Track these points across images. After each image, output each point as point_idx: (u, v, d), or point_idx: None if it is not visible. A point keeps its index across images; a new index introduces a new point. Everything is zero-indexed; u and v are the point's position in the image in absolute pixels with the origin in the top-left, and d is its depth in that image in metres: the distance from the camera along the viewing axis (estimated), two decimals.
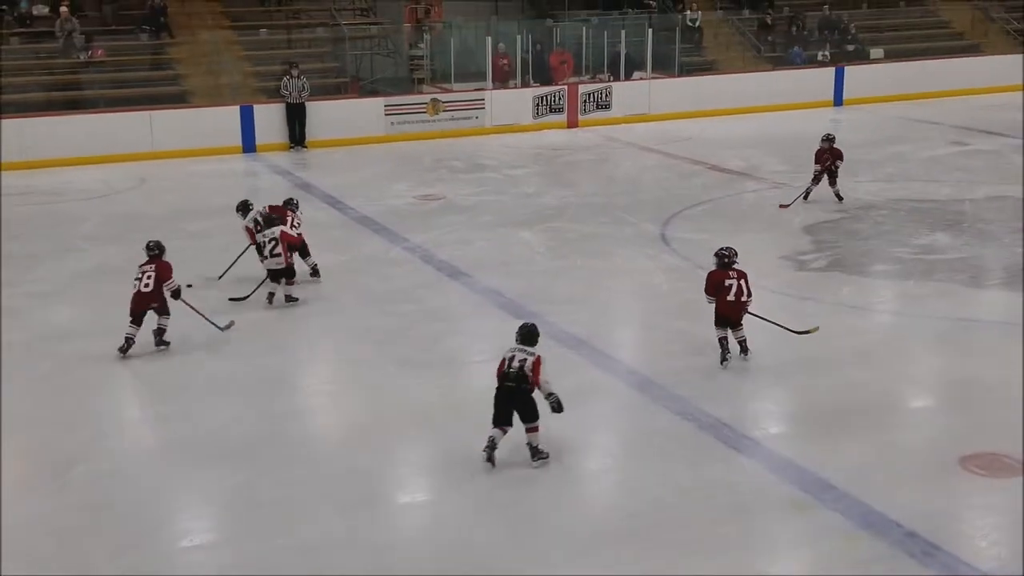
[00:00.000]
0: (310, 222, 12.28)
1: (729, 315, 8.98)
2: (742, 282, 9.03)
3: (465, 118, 20.45)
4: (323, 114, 19.22)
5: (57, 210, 15.00)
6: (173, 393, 8.88)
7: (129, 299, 9.52)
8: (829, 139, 14.60)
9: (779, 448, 7.76)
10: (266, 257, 10.71)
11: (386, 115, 19.72)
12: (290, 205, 11.68)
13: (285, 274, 10.75)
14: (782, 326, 9.36)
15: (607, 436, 8.21)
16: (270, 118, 18.95)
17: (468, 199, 15.37)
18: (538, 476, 7.34)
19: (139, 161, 17.20)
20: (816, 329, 9.38)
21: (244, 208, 11.49)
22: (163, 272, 9.57)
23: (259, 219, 11.10)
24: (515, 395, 7.36)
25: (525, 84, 21.71)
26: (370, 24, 22.85)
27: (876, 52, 25.48)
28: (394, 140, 19.20)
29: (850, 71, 23.50)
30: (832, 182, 14.52)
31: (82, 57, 19.54)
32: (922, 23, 27.74)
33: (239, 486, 7.31)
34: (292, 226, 11.16)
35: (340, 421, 8.54)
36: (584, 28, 23.17)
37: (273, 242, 10.63)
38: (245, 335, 9.98)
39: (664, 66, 23.24)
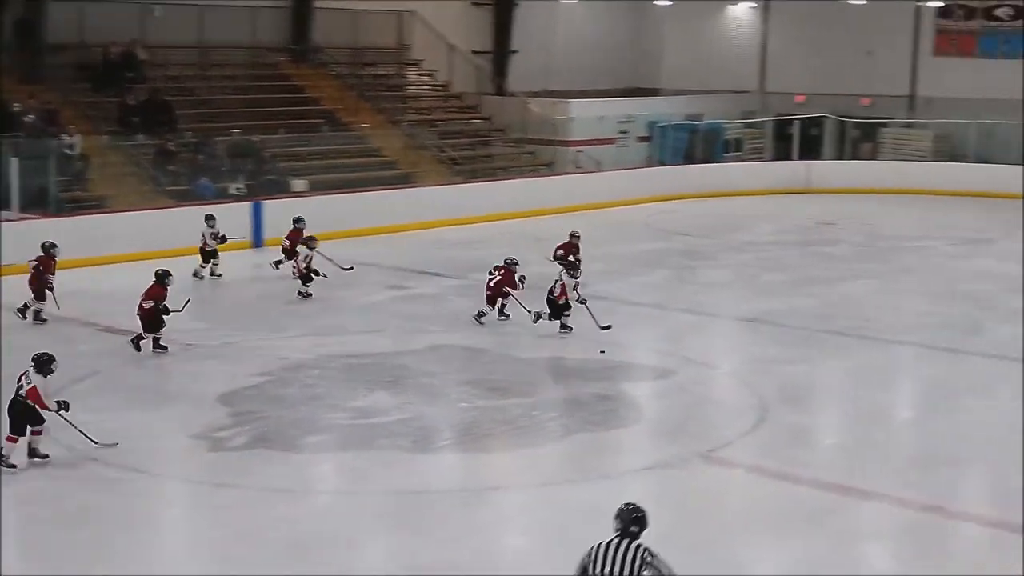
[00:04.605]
0: None
1: (489, 292, 17.23)
2: (500, 274, 17.22)
3: None
4: None
5: None
6: None
7: None
8: None
9: None
10: None
11: None
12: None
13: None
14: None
15: None
16: None
17: None
18: None
19: None
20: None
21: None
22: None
23: None
24: None
25: None
26: None
27: (299, 183, 26.74)
28: None
29: (270, 206, 24.16)
30: None
31: None
32: (350, 150, 29.70)
33: None
34: None
35: None
36: None
37: None
38: None
39: (39, 204, 22.69)
